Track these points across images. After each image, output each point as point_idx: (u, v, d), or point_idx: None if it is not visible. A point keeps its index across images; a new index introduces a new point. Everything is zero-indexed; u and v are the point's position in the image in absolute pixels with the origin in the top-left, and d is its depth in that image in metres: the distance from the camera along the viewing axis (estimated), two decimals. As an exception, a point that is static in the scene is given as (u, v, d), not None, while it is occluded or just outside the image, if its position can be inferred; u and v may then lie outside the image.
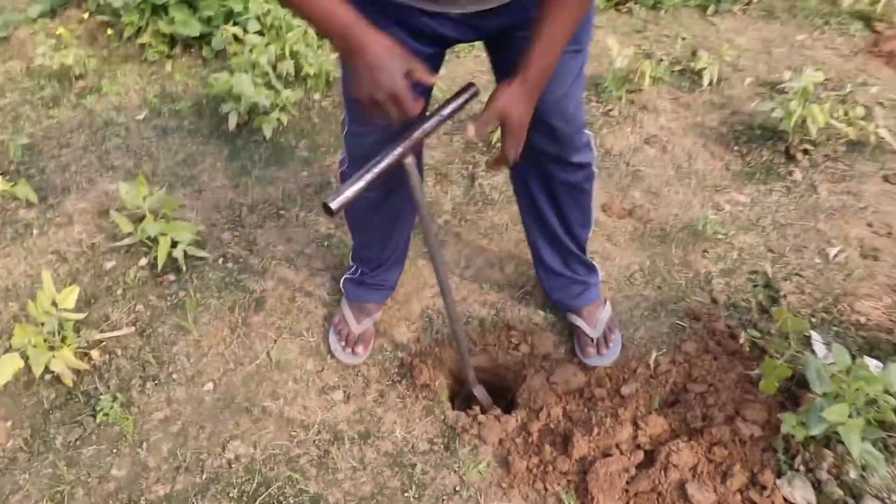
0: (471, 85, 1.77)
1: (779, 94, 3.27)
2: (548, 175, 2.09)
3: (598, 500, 2.00)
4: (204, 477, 2.16)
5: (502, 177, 3.01)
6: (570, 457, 2.09)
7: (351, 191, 1.57)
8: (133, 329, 2.57)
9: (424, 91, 1.66)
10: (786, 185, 2.97)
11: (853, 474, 2.02)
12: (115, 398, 2.34)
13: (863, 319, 2.44)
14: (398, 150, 1.64)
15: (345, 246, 2.77)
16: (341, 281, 2.53)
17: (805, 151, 3.07)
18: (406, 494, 2.08)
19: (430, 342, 2.46)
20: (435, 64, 1.85)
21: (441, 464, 2.15)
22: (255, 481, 2.13)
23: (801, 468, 2.08)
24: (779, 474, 2.06)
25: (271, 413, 2.31)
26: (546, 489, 2.07)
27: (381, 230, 2.31)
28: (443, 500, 2.07)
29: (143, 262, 2.78)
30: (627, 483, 2.03)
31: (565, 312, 2.45)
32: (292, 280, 2.68)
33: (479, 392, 2.30)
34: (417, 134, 1.67)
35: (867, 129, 3.06)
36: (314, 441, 2.23)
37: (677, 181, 2.98)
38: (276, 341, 2.49)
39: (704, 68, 3.44)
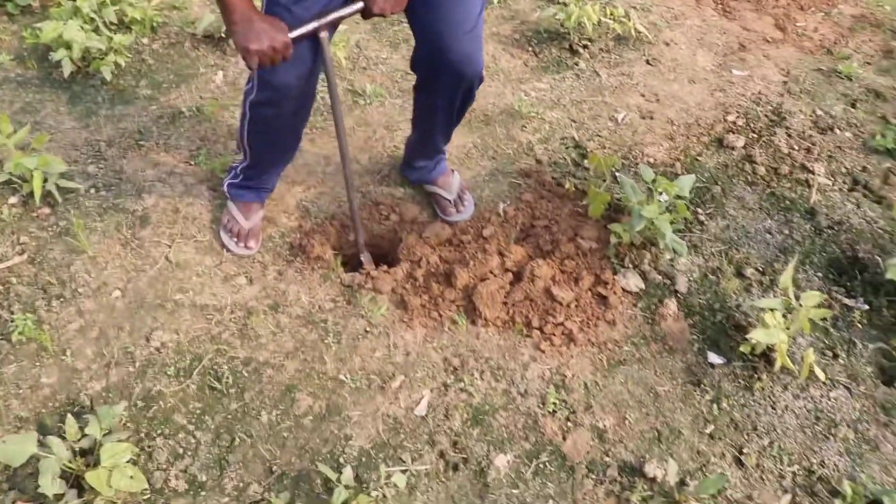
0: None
1: (555, 3, 3.88)
2: (459, 102, 2.46)
3: (484, 314, 2.48)
4: (137, 365, 2.38)
5: (339, 89, 3.38)
6: (454, 287, 2.55)
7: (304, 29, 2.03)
8: (24, 257, 2.68)
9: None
10: (574, 73, 3.59)
11: (668, 256, 2.65)
12: (25, 318, 2.48)
13: (652, 160, 3.09)
14: (316, 24, 2.06)
15: (213, 159, 3.02)
16: (224, 185, 2.79)
17: (585, 46, 3.71)
18: (325, 342, 2.44)
19: (312, 225, 2.80)
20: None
21: (348, 314, 2.52)
22: (188, 359, 2.39)
23: (630, 265, 2.68)
24: (615, 273, 2.64)
25: (184, 304, 2.55)
26: (440, 315, 2.51)
27: (282, 146, 2.61)
28: (358, 339, 2.45)
29: (13, 199, 2.86)
30: (505, 296, 2.53)
31: (423, 185, 2.88)
32: (170, 195, 2.90)
33: (366, 258, 2.69)
34: (332, 17, 2.08)
35: (628, 25, 3.74)
36: (230, 319, 2.51)
37: (489, 78, 3.51)
38: (170, 246, 2.72)
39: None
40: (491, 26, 3.85)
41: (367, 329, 2.48)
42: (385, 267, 2.67)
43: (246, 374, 2.35)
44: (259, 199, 2.76)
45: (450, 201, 2.81)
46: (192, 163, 3.04)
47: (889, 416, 2.44)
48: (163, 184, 2.95)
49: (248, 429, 2.22)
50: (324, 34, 2.10)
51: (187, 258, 2.69)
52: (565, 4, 3.67)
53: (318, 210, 2.86)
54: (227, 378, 2.34)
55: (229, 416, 2.25)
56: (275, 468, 2.14)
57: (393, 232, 2.81)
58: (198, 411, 2.26)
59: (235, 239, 2.71)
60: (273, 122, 2.39)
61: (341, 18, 2.12)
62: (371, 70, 3.49)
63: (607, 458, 2.22)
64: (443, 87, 2.38)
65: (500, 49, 3.69)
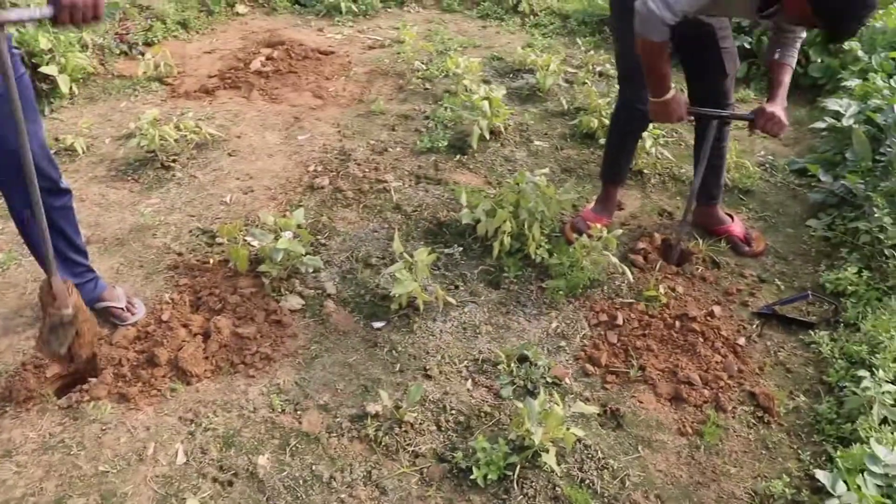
0: None
1: (134, 136, 4.41)
2: (48, 206, 2.86)
3: (193, 372, 2.94)
4: None
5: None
6: (160, 365, 2.97)
7: None
8: None
9: None
10: (175, 182, 4.17)
11: (312, 274, 3.34)
12: None
13: (270, 221, 3.75)
14: None
15: None
16: None
17: (174, 160, 4.31)
18: (72, 454, 2.69)
19: (6, 379, 2.99)
20: None
21: (80, 426, 2.80)
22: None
23: (288, 292, 3.32)
24: (278, 301, 3.27)
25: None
26: (159, 391, 2.91)
27: None
28: (101, 438, 2.74)
29: None
30: (204, 353, 3.01)
31: (92, 306, 3.23)
32: None
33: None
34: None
35: (202, 132, 4.42)
36: (-31, 485, 2.66)
37: (107, 209, 3.94)
38: None
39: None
40: (87, 173, 4.27)
41: (104, 428, 2.79)
42: (94, 379, 2.98)
43: (11, 514, 2.54)
44: None
45: (122, 308, 3.21)
46: None
47: (506, 307, 3.37)
48: None
49: (36, 550, 2.43)
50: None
51: None
52: (144, 134, 4.23)
53: (5, 365, 3.05)
54: (-6, 524, 2.51)
55: (13, 553, 2.44)
56: (78, 563, 2.39)
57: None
58: (-20, 564, 2.41)
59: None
60: None
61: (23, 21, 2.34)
62: (-7, 244, 3.73)
63: (338, 419, 2.81)
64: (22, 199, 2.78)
65: (103, 187, 4.14)
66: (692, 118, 3.36)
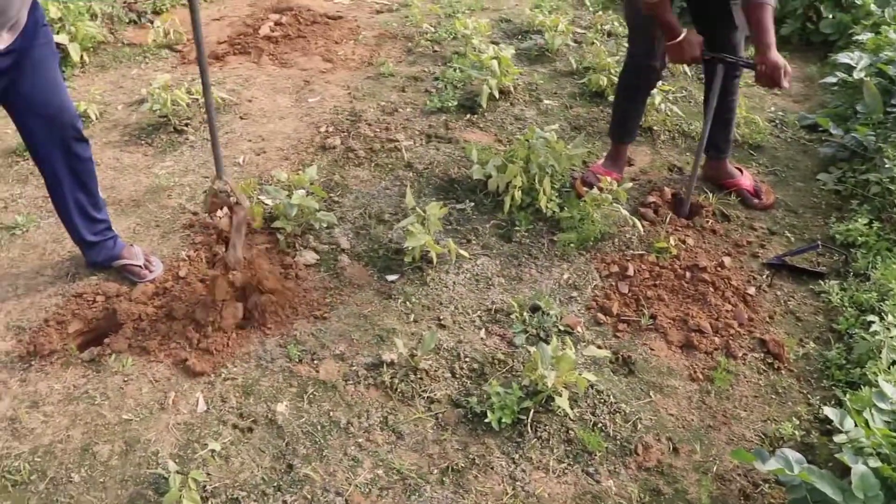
0: None
1: (147, 101, 4.45)
2: (74, 155, 2.95)
3: (219, 324, 3.00)
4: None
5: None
6: (177, 319, 3.03)
7: None
8: None
9: None
10: (188, 146, 4.22)
11: (326, 230, 3.38)
12: None
13: (283, 178, 3.78)
14: None
15: None
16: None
17: (187, 124, 4.35)
18: (96, 404, 2.76)
19: (30, 336, 3.05)
20: None
21: (103, 378, 2.86)
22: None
23: (302, 248, 3.37)
24: (294, 257, 3.31)
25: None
26: (178, 344, 2.96)
27: None
28: (124, 388, 2.81)
29: None
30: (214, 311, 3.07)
31: (111, 264, 3.29)
32: None
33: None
34: None
35: (214, 96, 4.43)
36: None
37: (121, 172, 3.99)
38: None
39: (83, 112, 4.45)
40: (100, 138, 4.31)
41: (126, 380, 2.85)
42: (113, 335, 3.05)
43: (39, 459, 2.60)
44: None
45: (140, 266, 3.26)
46: None
47: (518, 259, 3.41)
48: None
49: (65, 493, 2.49)
50: None
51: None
52: (156, 99, 4.26)
53: (28, 322, 3.12)
54: (24, 470, 2.56)
55: (42, 496, 2.50)
56: (106, 506, 2.46)
57: (105, 310, 3.18)
58: (10, 507, 2.48)
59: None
60: None
61: None
62: (11, 206, 3.77)
63: (354, 367, 2.87)
64: (61, 137, 2.90)
65: (118, 152, 4.18)
66: (706, 58, 3.34)
